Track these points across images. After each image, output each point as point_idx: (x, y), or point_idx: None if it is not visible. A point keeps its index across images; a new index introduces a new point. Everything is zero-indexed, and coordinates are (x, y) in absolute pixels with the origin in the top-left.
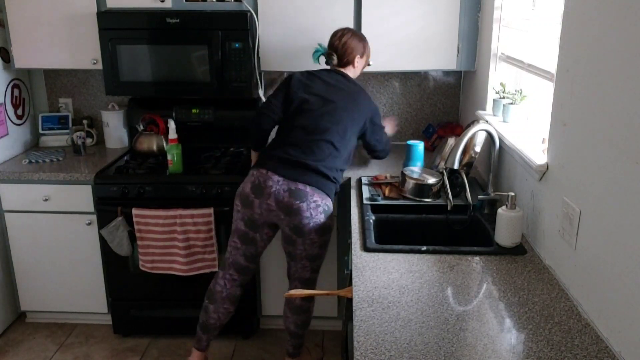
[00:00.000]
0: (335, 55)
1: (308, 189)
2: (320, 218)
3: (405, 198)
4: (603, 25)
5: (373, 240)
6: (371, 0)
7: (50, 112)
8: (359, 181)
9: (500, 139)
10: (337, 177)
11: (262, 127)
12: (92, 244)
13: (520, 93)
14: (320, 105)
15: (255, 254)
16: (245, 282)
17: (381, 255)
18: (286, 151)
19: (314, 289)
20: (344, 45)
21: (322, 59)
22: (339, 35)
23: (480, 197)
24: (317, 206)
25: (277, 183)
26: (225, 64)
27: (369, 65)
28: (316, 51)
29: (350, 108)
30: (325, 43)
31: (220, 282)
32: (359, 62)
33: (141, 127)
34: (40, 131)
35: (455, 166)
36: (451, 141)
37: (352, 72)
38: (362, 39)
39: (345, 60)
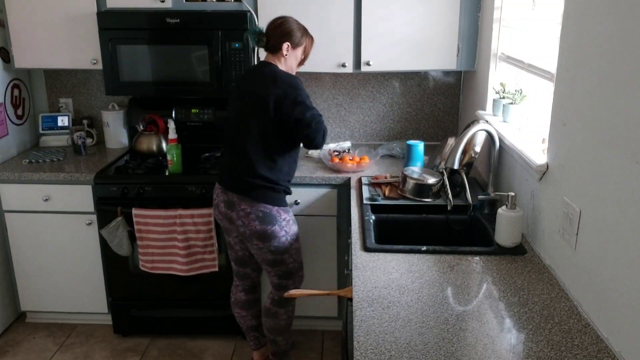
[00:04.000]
0: (265, 36)
1: (235, 197)
2: (255, 225)
3: (405, 198)
4: (603, 25)
5: (373, 240)
6: (371, 0)
7: (50, 112)
8: (359, 181)
9: (500, 139)
10: (273, 180)
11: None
12: (92, 244)
13: (520, 93)
14: (234, 123)
15: (238, 257)
16: (247, 287)
17: (381, 255)
18: (224, 161)
19: (284, 294)
20: (276, 28)
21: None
22: (275, 18)
23: (480, 197)
24: (247, 214)
25: (218, 195)
26: (225, 64)
27: (301, 61)
28: (250, 29)
29: (258, 113)
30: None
31: (232, 289)
32: (288, 51)
33: (141, 127)
34: (40, 131)
35: (455, 166)
36: (451, 141)
37: (283, 63)
38: (301, 30)
39: (272, 43)
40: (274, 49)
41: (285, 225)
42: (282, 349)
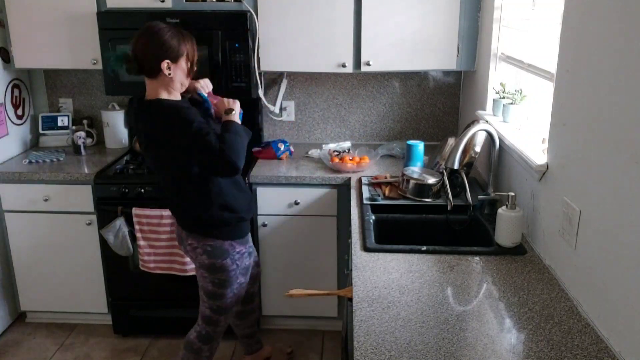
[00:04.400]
0: (135, 62)
1: (183, 233)
2: (203, 259)
3: (405, 198)
4: (603, 25)
5: (373, 240)
6: (371, 0)
7: (50, 112)
8: (359, 181)
9: (500, 139)
10: (216, 217)
11: None
12: (92, 244)
13: (520, 93)
14: (150, 165)
15: None
16: (241, 297)
17: (381, 255)
18: (167, 197)
19: (212, 331)
20: (144, 46)
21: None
22: (138, 34)
23: (480, 197)
24: (194, 248)
25: (177, 228)
26: (225, 64)
27: (189, 70)
28: (111, 56)
29: (163, 164)
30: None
31: None
32: (173, 68)
33: None
34: (40, 131)
35: (455, 166)
36: (451, 141)
37: (169, 83)
38: (176, 35)
39: (148, 67)
40: (152, 72)
41: (238, 259)
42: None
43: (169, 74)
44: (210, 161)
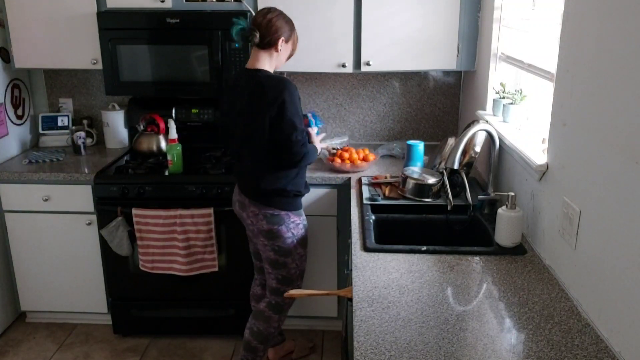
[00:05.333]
0: (258, 32)
1: (246, 200)
2: (262, 224)
3: (405, 198)
4: (603, 25)
5: (373, 240)
6: (371, 0)
7: (50, 112)
8: (359, 181)
9: (500, 139)
10: (279, 188)
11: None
12: (92, 244)
13: (520, 93)
14: (232, 134)
15: (253, 251)
16: (263, 281)
17: (381, 255)
18: (234, 164)
19: (282, 301)
20: (268, 22)
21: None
22: (264, 12)
23: (480, 197)
24: (255, 215)
25: (235, 195)
26: (225, 64)
27: (290, 55)
28: (236, 24)
29: (255, 129)
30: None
31: (252, 282)
32: (283, 46)
33: (141, 127)
34: (40, 131)
35: (455, 166)
36: (451, 141)
37: (274, 58)
38: (290, 22)
39: (268, 40)
40: (268, 45)
41: (294, 228)
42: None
43: (280, 50)
44: (289, 147)
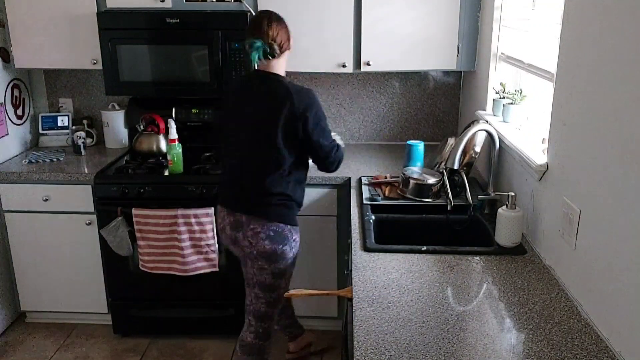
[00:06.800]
0: (276, 44)
1: (244, 218)
2: (264, 245)
3: (405, 198)
4: (603, 25)
5: (373, 240)
6: (371, 0)
7: (50, 112)
8: (359, 181)
9: (500, 139)
10: (288, 194)
11: None
12: (92, 244)
13: (520, 93)
14: (237, 139)
15: (246, 276)
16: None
17: (381, 255)
18: (226, 179)
19: (268, 326)
20: (278, 32)
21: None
22: (268, 22)
23: (480, 197)
24: (257, 233)
25: (223, 219)
26: (225, 64)
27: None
28: (254, 46)
29: (270, 130)
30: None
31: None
32: (287, 51)
33: (141, 127)
34: (40, 131)
35: (455, 166)
36: (451, 141)
37: (279, 67)
38: (284, 21)
39: (280, 50)
40: (282, 51)
41: (294, 247)
42: None
43: (283, 55)
44: (328, 163)
